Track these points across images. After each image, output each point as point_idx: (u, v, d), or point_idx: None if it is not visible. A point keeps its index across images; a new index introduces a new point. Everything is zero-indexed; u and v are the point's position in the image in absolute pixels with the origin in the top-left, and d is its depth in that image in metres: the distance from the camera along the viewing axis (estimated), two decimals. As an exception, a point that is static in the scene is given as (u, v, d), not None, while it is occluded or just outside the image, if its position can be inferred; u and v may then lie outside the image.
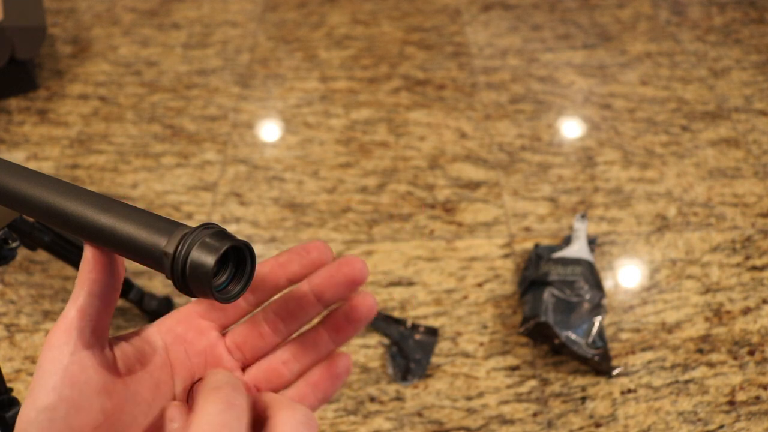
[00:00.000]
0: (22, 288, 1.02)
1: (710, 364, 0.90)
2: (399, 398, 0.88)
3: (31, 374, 0.91)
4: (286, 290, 0.31)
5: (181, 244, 0.24)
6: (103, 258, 0.28)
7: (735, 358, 0.91)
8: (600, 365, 0.88)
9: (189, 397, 0.30)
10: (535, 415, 0.86)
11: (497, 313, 0.97)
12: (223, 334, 0.31)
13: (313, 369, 0.31)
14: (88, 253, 0.28)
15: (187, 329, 0.30)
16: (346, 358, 0.31)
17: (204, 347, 0.30)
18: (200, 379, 0.30)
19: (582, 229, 1.02)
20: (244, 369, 0.31)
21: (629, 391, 0.88)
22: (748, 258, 1.04)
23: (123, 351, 0.28)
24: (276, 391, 0.30)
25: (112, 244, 0.26)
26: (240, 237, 0.30)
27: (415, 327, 0.95)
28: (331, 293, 0.30)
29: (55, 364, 0.25)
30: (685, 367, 0.90)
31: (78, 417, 0.25)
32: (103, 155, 1.27)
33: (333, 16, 1.66)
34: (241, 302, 0.31)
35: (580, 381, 0.89)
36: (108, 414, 0.26)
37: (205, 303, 0.31)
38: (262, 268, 0.30)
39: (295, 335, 0.31)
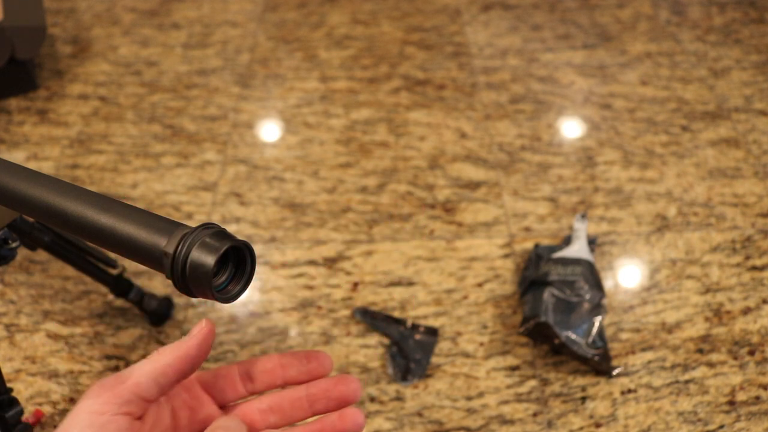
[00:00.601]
0: (22, 288, 1.02)
1: (710, 364, 0.90)
2: (399, 398, 0.88)
3: (30, 374, 0.91)
4: (281, 389, 0.35)
5: (181, 244, 0.24)
6: (207, 347, 0.31)
7: (735, 358, 0.91)
8: (600, 365, 0.88)
9: None
10: (535, 415, 0.86)
11: (497, 313, 0.97)
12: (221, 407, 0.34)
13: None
14: (205, 331, 0.31)
15: (192, 398, 0.33)
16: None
17: (205, 416, 0.33)
18: None
19: (582, 229, 1.02)
20: None
21: (629, 391, 0.88)
22: (748, 258, 1.04)
23: (147, 415, 0.30)
24: None
25: (112, 244, 0.26)
26: (240, 237, 0.30)
27: (415, 327, 0.95)
28: (322, 405, 0.34)
29: (96, 417, 0.27)
30: (685, 367, 0.90)
31: None
32: (103, 155, 1.27)
33: (333, 16, 1.66)
34: (240, 388, 0.34)
35: (580, 381, 0.89)
36: None
37: (209, 377, 0.34)
38: (266, 362, 0.34)
39: None
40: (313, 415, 0.34)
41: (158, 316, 0.95)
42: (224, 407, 0.34)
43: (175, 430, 0.32)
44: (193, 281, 0.24)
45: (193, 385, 0.33)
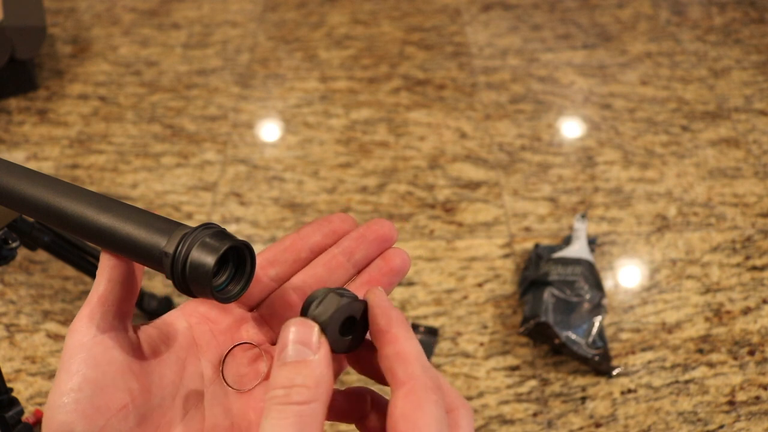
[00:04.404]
0: (22, 288, 1.02)
1: (710, 364, 0.90)
2: (399, 398, 0.88)
3: (30, 374, 0.91)
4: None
5: (181, 244, 0.24)
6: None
7: (735, 358, 0.91)
8: (600, 365, 0.88)
9: (222, 370, 0.29)
10: (535, 415, 0.86)
11: (497, 313, 0.97)
12: (250, 310, 0.30)
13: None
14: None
15: (210, 308, 0.29)
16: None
17: (229, 324, 0.29)
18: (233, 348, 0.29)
19: (582, 229, 1.02)
20: (273, 343, 0.29)
21: (629, 391, 0.88)
22: (748, 258, 1.04)
23: (147, 334, 0.28)
24: None
25: (112, 244, 0.26)
26: (240, 237, 0.30)
27: (415, 327, 0.95)
28: (361, 252, 0.29)
29: (78, 347, 0.25)
30: (685, 367, 0.90)
31: (103, 397, 0.25)
32: (103, 155, 1.27)
33: (333, 16, 1.66)
34: (264, 279, 0.29)
35: (580, 381, 0.89)
36: (135, 395, 0.26)
37: None
38: (283, 241, 0.30)
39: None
40: (356, 270, 0.29)
41: (158, 317, 0.95)
42: (254, 308, 0.29)
43: (198, 348, 0.28)
44: (193, 281, 0.24)
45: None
